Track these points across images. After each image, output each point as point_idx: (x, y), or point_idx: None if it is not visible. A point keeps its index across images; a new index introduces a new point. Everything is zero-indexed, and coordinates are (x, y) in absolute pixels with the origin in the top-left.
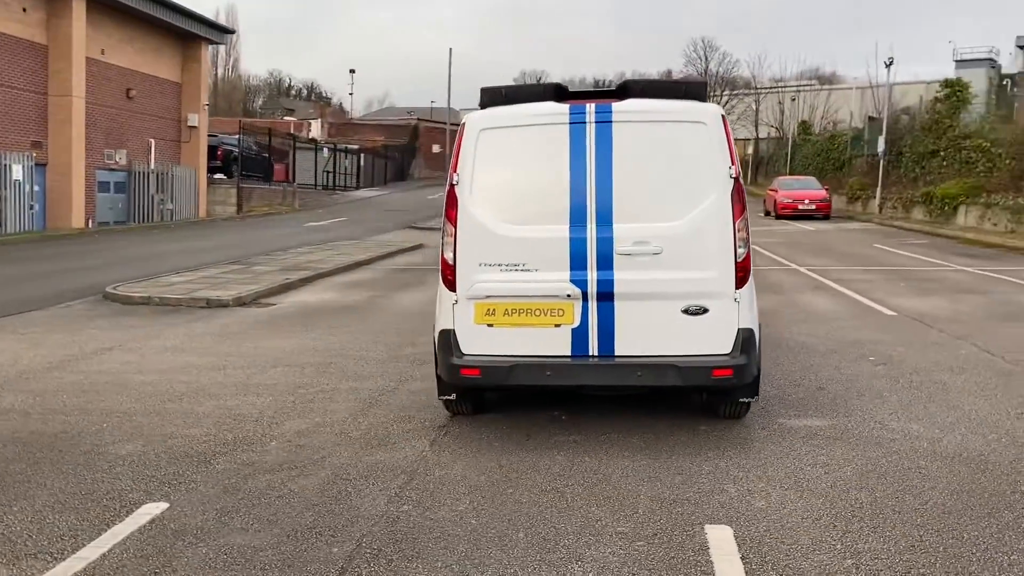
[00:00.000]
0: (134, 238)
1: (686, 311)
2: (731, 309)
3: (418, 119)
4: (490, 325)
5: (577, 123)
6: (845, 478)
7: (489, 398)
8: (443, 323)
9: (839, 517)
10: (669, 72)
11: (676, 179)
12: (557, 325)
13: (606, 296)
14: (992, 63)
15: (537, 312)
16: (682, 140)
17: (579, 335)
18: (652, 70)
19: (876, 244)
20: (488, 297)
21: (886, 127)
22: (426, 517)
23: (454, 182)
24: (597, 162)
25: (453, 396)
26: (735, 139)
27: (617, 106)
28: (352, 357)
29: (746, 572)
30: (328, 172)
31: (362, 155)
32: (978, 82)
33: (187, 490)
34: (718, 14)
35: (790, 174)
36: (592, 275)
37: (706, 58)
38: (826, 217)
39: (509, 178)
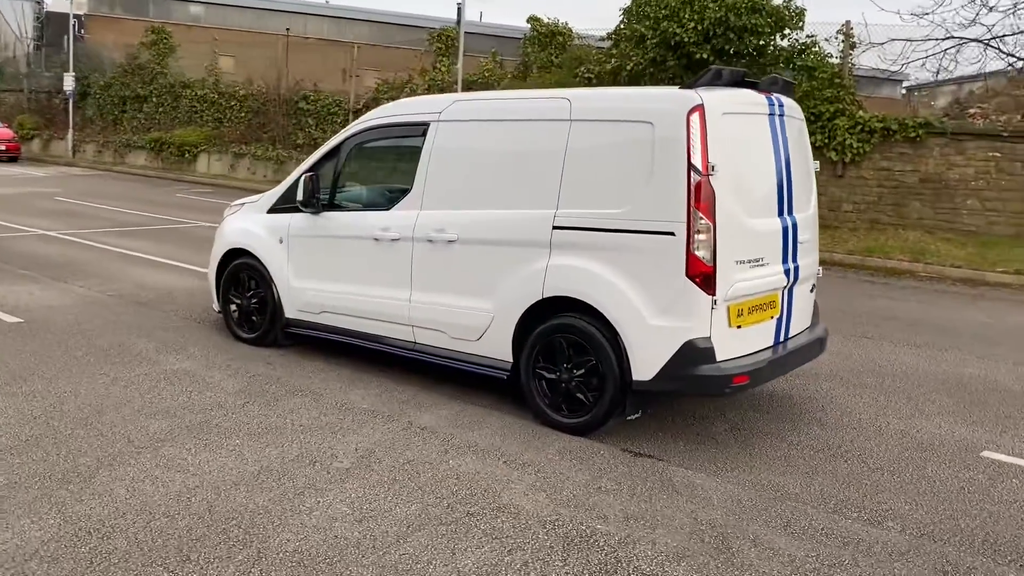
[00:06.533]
0: None
1: (811, 290)
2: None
3: None
4: (739, 327)
5: (772, 114)
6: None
7: None
8: (692, 331)
9: (974, 426)
10: None
11: (807, 171)
12: (772, 317)
13: (793, 284)
14: None
15: (765, 307)
16: (803, 134)
17: (779, 324)
18: None
19: (180, 193)
20: (743, 296)
21: (73, 64)
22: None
23: (709, 172)
24: (785, 153)
25: (639, 413)
26: None
27: (784, 100)
28: (202, 409)
29: None
30: None
31: None
32: None
33: None
34: None
35: None
36: (791, 264)
37: None
38: (15, 159)
39: (740, 167)
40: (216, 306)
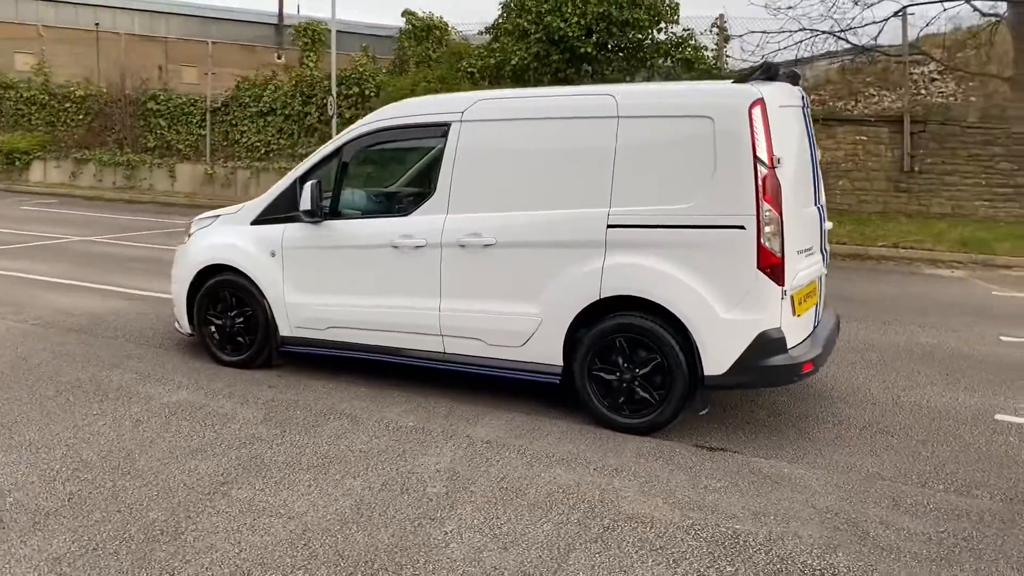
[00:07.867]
0: None
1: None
2: None
3: None
4: (799, 316)
5: (802, 106)
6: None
7: None
8: (764, 322)
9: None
10: None
11: (818, 160)
12: (814, 304)
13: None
14: None
15: (811, 294)
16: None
17: (816, 311)
18: None
19: (25, 206)
20: (801, 285)
21: None
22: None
23: (775, 164)
24: (812, 143)
25: (707, 408)
26: None
27: (804, 93)
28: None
29: None
30: None
31: None
32: None
33: None
34: None
35: None
36: (824, 251)
37: None
38: None
39: (793, 158)
40: (184, 329)
